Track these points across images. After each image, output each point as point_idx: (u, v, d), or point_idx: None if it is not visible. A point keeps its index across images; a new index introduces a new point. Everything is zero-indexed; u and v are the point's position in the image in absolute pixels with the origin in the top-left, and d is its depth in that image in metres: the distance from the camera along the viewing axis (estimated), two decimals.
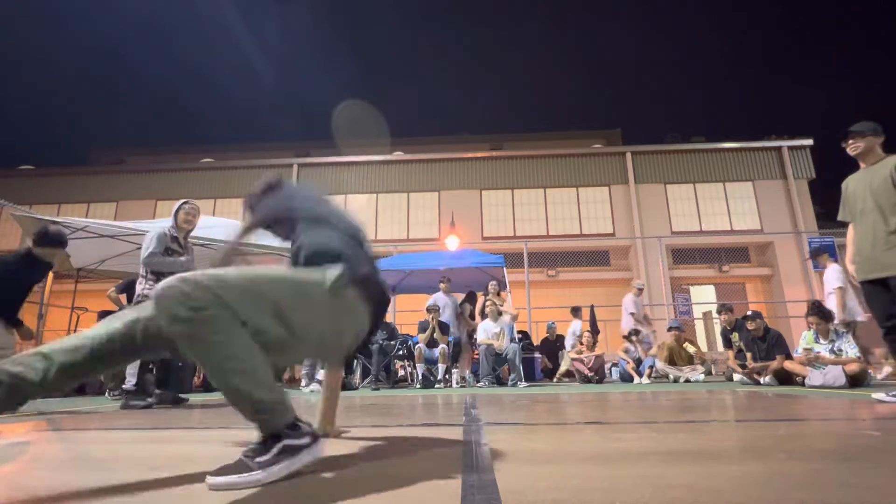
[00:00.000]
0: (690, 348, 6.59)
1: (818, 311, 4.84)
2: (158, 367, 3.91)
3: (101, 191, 16.18)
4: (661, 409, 2.68)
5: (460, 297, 7.42)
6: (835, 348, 4.67)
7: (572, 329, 8.28)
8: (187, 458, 1.42)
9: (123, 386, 3.67)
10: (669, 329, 6.86)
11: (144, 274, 3.75)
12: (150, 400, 3.59)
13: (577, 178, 15.42)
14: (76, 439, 1.88)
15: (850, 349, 4.59)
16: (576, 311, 8.44)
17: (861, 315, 5.67)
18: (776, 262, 13.91)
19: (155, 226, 6.45)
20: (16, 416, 2.90)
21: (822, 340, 4.77)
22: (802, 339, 4.99)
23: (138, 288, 3.77)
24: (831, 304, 5.61)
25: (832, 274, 5.78)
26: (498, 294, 7.01)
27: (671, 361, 6.55)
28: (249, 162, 16.49)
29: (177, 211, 3.93)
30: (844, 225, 3.37)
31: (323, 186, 15.81)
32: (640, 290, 7.96)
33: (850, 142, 3.18)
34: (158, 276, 3.72)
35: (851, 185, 3.24)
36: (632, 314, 7.72)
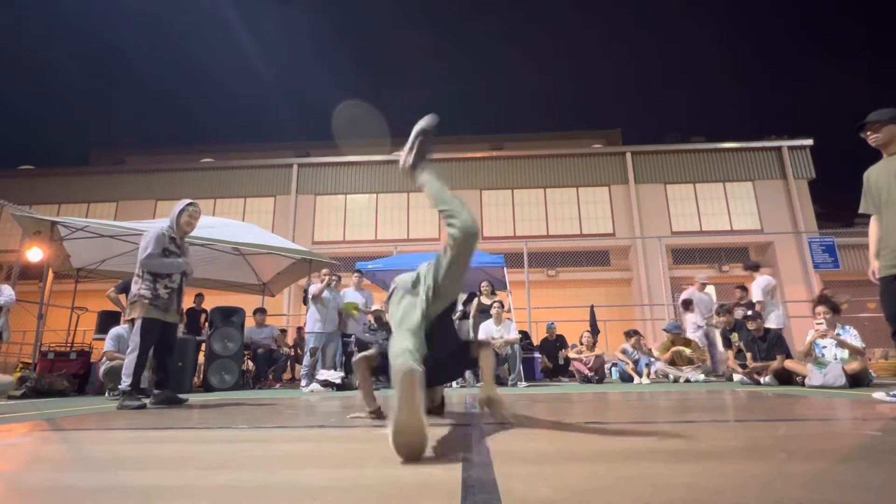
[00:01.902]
0: (687, 350, 6.59)
1: (827, 301, 4.87)
2: (157, 367, 3.88)
3: (101, 191, 16.18)
4: (661, 409, 2.68)
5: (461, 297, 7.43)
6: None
7: (690, 320, 7.70)
8: (187, 458, 1.42)
9: (119, 386, 3.57)
10: (665, 330, 6.92)
11: (141, 274, 3.68)
12: (144, 400, 3.54)
13: (577, 178, 15.42)
14: (76, 439, 1.88)
15: (854, 341, 4.60)
16: (687, 305, 7.72)
17: (776, 323, 6.30)
18: (776, 262, 13.90)
19: (153, 226, 6.47)
20: (16, 417, 2.90)
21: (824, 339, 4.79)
22: (809, 336, 5.01)
23: (134, 288, 3.68)
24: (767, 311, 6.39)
25: (759, 284, 6.59)
26: (493, 293, 7.03)
27: (671, 362, 6.55)
28: (249, 162, 16.49)
29: (180, 212, 3.84)
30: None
31: (324, 187, 15.82)
32: (704, 286, 7.56)
33: (869, 133, 3.02)
34: (155, 276, 3.67)
35: (874, 176, 3.06)
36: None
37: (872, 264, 3.06)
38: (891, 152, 2.99)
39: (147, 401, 3.58)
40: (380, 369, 2.79)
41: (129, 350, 3.63)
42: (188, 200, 3.93)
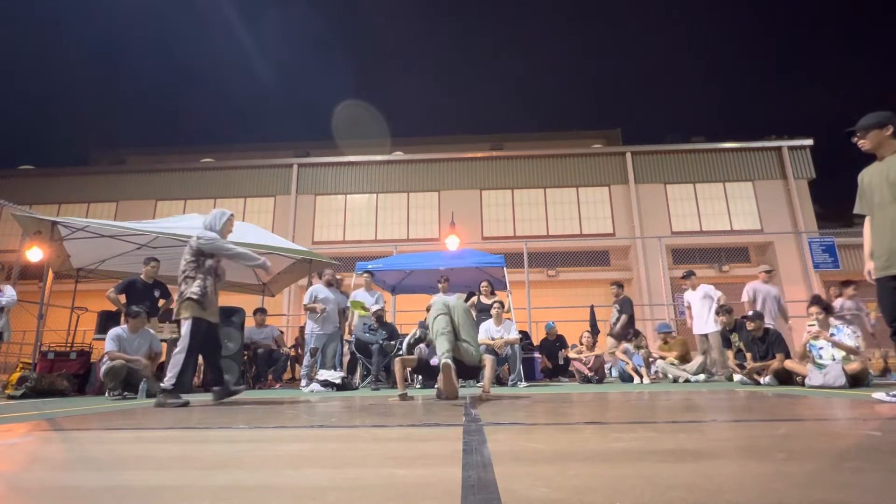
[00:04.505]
0: (669, 345, 6.68)
1: (819, 302, 4.92)
2: (209, 367, 3.99)
3: (101, 191, 16.17)
4: (661, 409, 2.68)
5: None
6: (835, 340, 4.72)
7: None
8: (187, 458, 1.42)
9: (161, 384, 3.66)
10: (657, 331, 7.01)
11: (192, 275, 3.77)
12: (186, 398, 3.61)
13: (577, 178, 15.42)
14: (76, 439, 1.88)
15: (849, 340, 4.61)
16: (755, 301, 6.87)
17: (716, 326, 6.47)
18: (776, 262, 13.89)
19: (155, 227, 6.47)
20: (16, 417, 2.90)
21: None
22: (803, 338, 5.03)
23: (183, 289, 3.77)
24: (705, 316, 6.77)
25: (705, 289, 6.89)
26: (493, 293, 7.03)
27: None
28: (249, 162, 16.48)
29: (226, 221, 4.04)
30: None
31: (323, 187, 15.83)
32: (770, 273, 6.95)
33: (857, 139, 3.08)
34: (206, 276, 3.80)
35: (867, 178, 3.11)
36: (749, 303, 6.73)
37: (868, 265, 3.12)
38: (882, 155, 3.04)
39: (187, 398, 3.64)
40: (418, 370, 4.32)
41: (176, 350, 3.71)
42: (230, 212, 4.15)
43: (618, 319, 7.27)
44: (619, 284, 7.62)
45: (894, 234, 2.89)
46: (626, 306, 7.34)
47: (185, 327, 3.69)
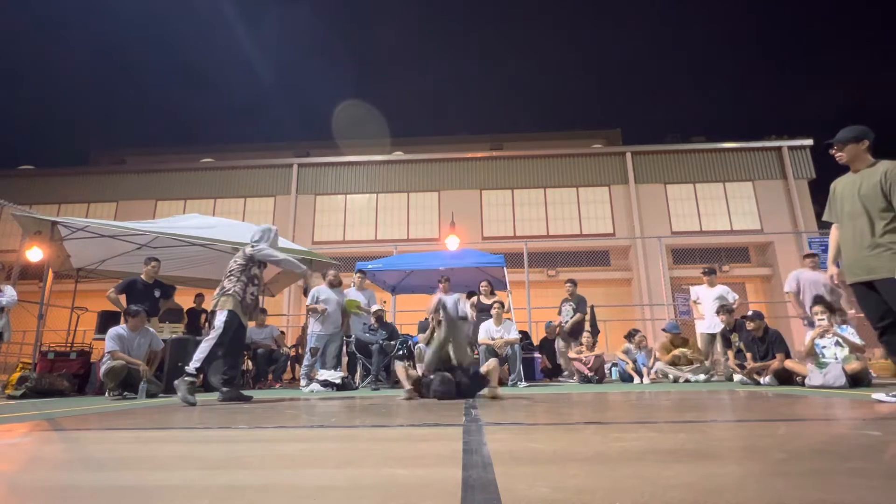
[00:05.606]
0: (687, 352, 6.62)
1: (822, 302, 4.95)
2: (229, 366, 4.06)
3: (101, 191, 16.16)
4: (661, 409, 2.68)
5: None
6: (838, 340, 4.74)
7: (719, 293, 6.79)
8: (187, 458, 1.42)
9: (186, 367, 3.75)
10: (664, 330, 6.98)
11: (238, 276, 4.03)
12: (192, 399, 3.62)
13: (577, 178, 15.41)
14: (76, 439, 1.88)
15: (853, 338, 4.63)
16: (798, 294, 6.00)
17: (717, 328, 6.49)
18: (776, 262, 13.90)
19: (157, 226, 6.47)
20: (16, 417, 2.90)
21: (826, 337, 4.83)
22: (808, 335, 5.05)
23: (227, 284, 3.99)
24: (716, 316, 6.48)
25: (722, 293, 6.87)
26: (492, 293, 7.03)
27: (671, 362, 6.56)
28: (249, 162, 16.48)
29: (274, 236, 4.42)
30: None
31: (324, 187, 15.83)
32: (814, 259, 6.10)
33: (834, 152, 3.22)
34: (247, 282, 4.07)
35: (839, 188, 3.27)
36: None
37: (830, 269, 3.36)
38: (856, 168, 3.18)
39: (192, 400, 3.65)
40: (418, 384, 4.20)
41: (208, 337, 3.87)
42: (276, 227, 4.52)
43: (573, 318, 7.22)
44: (574, 282, 7.59)
45: (862, 245, 3.04)
46: (582, 305, 7.34)
47: (221, 317, 3.88)
